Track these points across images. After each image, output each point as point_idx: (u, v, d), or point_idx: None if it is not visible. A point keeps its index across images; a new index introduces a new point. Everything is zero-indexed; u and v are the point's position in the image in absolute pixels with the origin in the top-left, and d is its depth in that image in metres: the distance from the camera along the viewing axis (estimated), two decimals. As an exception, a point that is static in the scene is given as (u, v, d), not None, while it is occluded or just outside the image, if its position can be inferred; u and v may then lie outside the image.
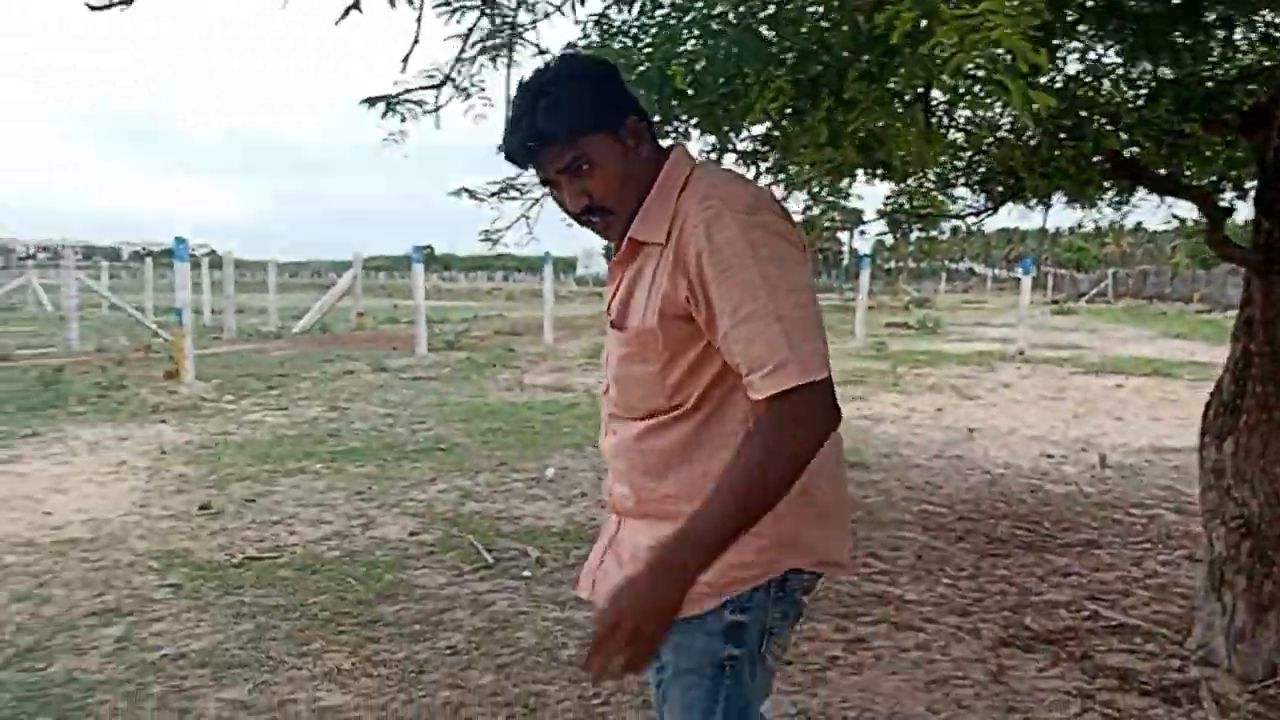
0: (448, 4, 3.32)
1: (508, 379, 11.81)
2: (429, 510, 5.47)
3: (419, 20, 2.41)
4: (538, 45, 3.70)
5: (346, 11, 2.20)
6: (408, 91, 2.85)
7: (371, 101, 3.68)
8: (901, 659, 3.46)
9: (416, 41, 2.53)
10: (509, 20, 3.79)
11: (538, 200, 3.55)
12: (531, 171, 1.62)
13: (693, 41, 2.70)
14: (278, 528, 5.09)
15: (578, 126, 1.48)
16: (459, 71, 3.81)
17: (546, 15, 3.72)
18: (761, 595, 1.54)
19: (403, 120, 3.71)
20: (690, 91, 2.70)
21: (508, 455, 7.00)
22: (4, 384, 10.39)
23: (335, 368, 12.38)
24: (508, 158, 1.59)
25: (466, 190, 3.66)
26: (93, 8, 1.75)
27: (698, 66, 2.31)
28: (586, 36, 3.47)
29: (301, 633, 3.65)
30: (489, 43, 3.84)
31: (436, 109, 2.86)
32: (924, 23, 1.36)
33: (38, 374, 10.46)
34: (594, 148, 1.49)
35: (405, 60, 2.59)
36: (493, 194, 3.46)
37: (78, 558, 4.55)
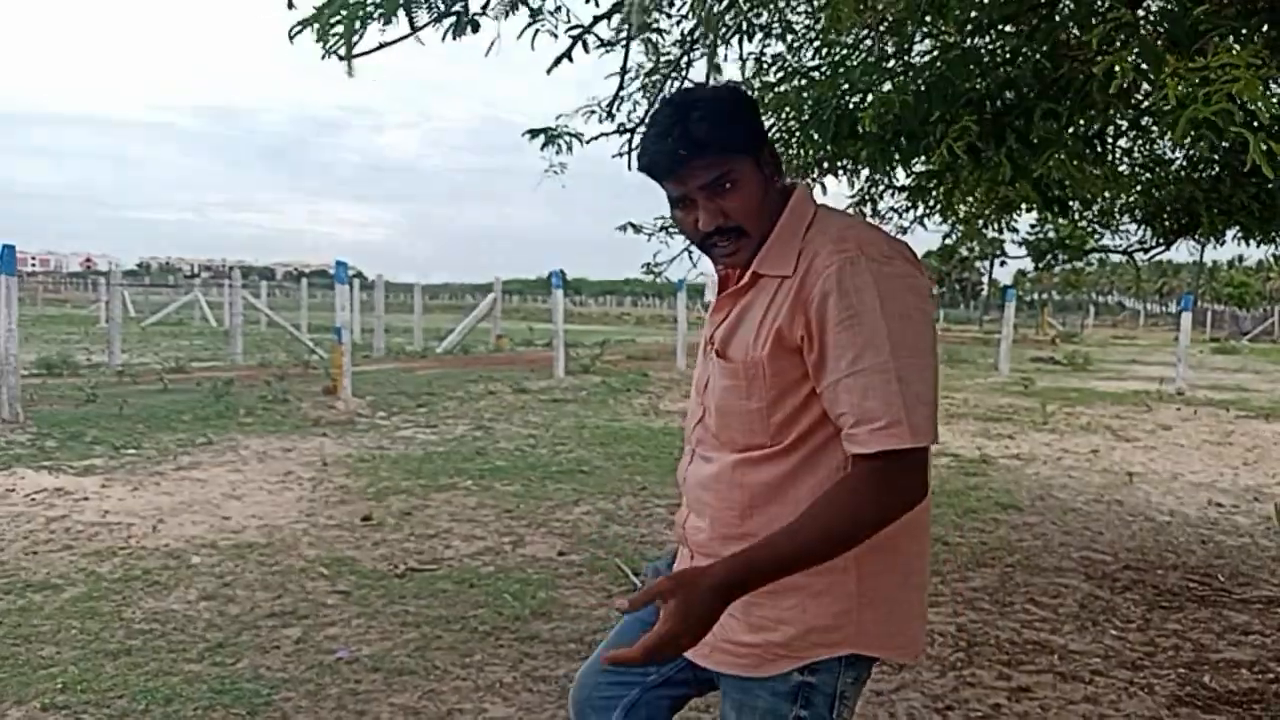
0: (609, 45, 3.48)
1: (643, 404, 11.95)
2: (575, 531, 5.60)
3: (626, 54, 2.53)
4: (693, 83, 3.81)
5: (557, 61, 2.34)
6: (597, 136, 2.97)
7: (533, 133, 3.86)
8: (1069, 711, 3.34)
9: (625, 70, 2.65)
10: (668, 58, 3.92)
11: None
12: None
13: (868, 80, 2.73)
14: (434, 541, 5.32)
15: (731, 143, 1.48)
16: (618, 108, 3.96)
17: (703, 54, 3.83)
18: (833, 660, 1.51)
19: (559, 152, 3.88)
20: (862, 130, 2.73)
21: (648, 480, 7.09)
22: (181, 394, 11.21)
23: (478, 388, 12.80)
24: (646, 168, 1.54)
25: (631, 224, 3.79)
26: (345, 59, 1.93)
27: (883, 109, 2.34)
28: (750, 79, 3.55)
29: (464, 644, 3.81)
30: (649, 79, 3.98)
31: (627, 147, 2.97)
32: (1142, 68, 1.35)
33: (210, 386, 11.22)
34: (740, 167, 1.48)
35: (613, 103, 2.71)
36: (661, 229, 3.56)
37: (255, 561, 4.86)
